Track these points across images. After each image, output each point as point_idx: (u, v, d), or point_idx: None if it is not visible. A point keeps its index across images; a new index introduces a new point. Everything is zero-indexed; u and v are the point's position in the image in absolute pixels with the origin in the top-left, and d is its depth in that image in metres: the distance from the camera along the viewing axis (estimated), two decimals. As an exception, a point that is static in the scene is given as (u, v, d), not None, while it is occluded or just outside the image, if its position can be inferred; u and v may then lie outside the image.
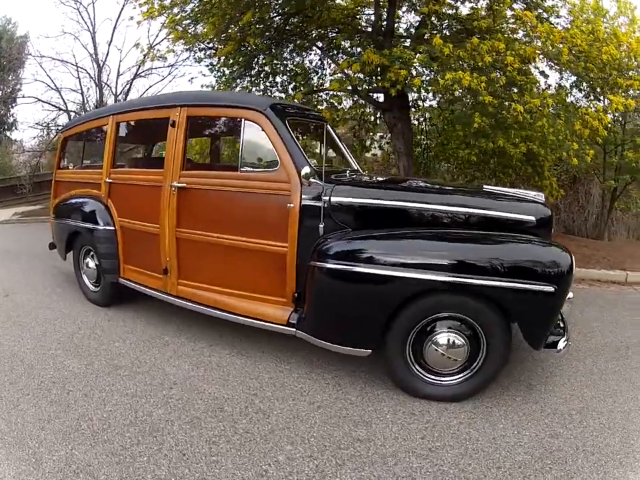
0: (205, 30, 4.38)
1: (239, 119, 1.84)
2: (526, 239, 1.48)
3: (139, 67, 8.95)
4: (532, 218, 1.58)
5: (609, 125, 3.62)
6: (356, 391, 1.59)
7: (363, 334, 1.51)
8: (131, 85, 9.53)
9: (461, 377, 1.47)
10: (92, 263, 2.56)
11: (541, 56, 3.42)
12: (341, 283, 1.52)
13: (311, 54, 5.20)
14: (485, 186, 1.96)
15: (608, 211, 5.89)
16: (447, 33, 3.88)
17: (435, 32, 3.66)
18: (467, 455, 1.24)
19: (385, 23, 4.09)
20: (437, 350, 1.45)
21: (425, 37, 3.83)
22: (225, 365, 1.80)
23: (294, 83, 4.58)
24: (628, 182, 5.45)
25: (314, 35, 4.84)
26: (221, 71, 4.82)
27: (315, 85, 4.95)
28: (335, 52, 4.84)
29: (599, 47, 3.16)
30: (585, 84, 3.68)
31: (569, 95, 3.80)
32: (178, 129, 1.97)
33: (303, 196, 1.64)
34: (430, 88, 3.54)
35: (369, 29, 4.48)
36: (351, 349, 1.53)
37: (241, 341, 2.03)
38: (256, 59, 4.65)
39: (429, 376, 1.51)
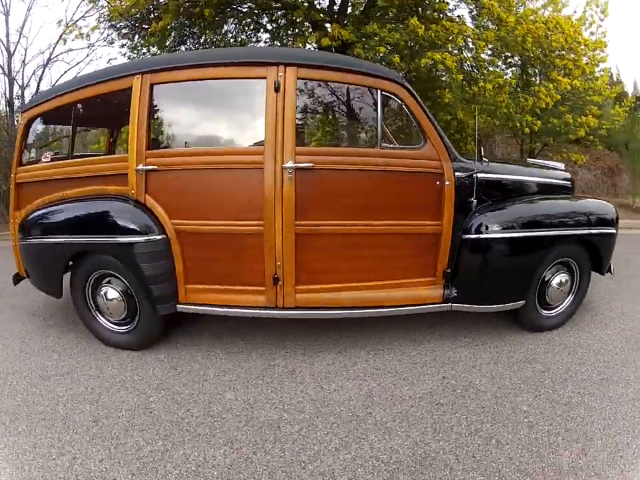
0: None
1: (371, 90, 1.60)
2: (587, 198, 2.10)
3: (53, 49, 6.70)
4: (569, 183, 2.17)
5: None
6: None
7: (518, 289, 1.74)
8: (43, 71, 6.96)
9: (567, 302, 1.93)
10: (113, 292, 1.75)
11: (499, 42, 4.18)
12: (501, 249, 1.68)
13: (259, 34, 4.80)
14: (528, 159, 2.50)
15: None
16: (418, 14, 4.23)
17: (405, 13, 4.01)
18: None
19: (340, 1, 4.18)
20: (558, 288, 1.87)
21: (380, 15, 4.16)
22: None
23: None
24: (545, 143, 6.39)
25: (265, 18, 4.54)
26: (146, 49, 3.86)
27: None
28: (285, 31, 4.58)
29: (549, 35, 4.20)
30: (537, 67, 4.63)
31: (523, 76, 4.75)
32: (285, 93, 1.51)
33: (457, 173, 1.66)
34: (411, 66, 3.89)
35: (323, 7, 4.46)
36: (511, 304, 1.73)
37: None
38: (190, 35, 4.00)
39: (546, 312, 1.89)
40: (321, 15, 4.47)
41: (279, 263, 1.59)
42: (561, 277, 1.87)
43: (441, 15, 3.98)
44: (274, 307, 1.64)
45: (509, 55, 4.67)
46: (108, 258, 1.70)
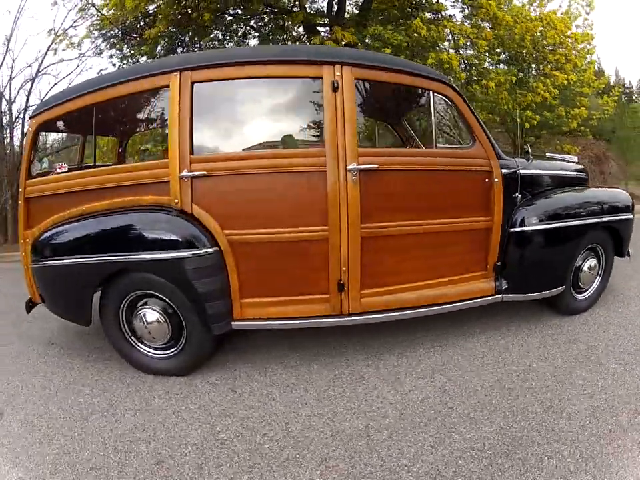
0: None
1: (424, 91, 1.61)
2: (604, 188, 2.29)
3: (42, 60, 6.15)
4: (584, 174, 2.35)
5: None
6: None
7: (560, 276, 1.86)
8: (32, 84, 6.35)
9: (595, 285, 2.10)
10: (153, 314, 1.59)
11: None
12: (545, 240, 1.79)
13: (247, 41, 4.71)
14: (547, 153, 2.64)
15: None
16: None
17: (411, 15, 4.09)
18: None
19: (337, 3, 4.20)
20: (589, 272, 2.02)
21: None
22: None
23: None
24: (538, 136, 6.56)
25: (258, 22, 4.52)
26: (135, 59, 3.73)
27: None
28: (275, 36, 4.51)
29: (544, 32, 4.44)
30: (531, 63, 4.71)
31: (518, 72, 4.80)
32: (343, 94, 1.46)
33: (503, 170, 1.73)
34: None
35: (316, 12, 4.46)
36: (555, 290, 1.85)
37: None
38: (180, 43, 3.98)
39: (579, 295, 2.04)
40: (320, 18, 4.47)
41: (344, 268, 1.54)
42: (590, 262, 2.03)
43: (438, 15, 4.14)
44: (338, 315, 1.59)
45: (499, 51, 4.89)
46: (148, 277, 1.52)
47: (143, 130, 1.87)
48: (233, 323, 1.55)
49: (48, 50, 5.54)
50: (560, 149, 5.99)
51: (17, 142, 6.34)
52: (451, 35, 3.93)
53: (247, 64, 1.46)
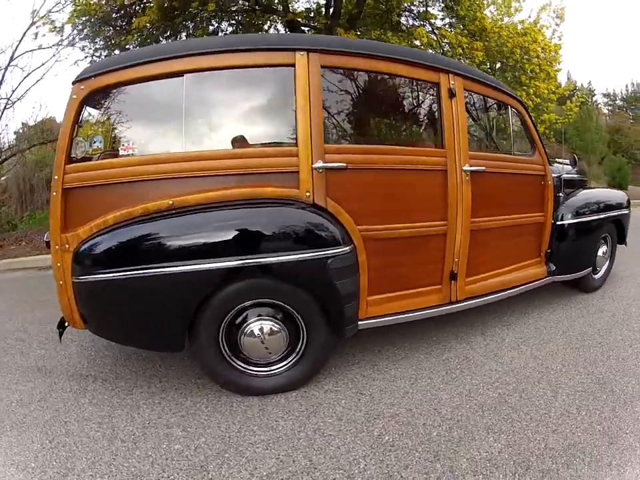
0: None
1: (505, 105, 1.87)
2: (606, 188, 2.89)
3: (17, 47, 5.05)
4: (585, 177, 2.90)
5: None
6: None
7: (589, 259, 2.33)
8: (4, 73, 5.23)
9: (605, 267, 2.60)
10: (264, 326, 1.42)
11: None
12: (580, 231, 2.21)
13: None
14: (557, 159, 3.09)
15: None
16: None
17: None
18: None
19: (333, 6, 4.36)
20: (602, 256, 2.51)
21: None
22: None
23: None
24: None
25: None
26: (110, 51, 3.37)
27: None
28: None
29: (527, 45, 4.85)
30: (516, 73, 5.03)
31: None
32: (457, 100, 1.62)
33: (552, 175, 2.11)
34: None
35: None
36: (586, 271, 2.30)
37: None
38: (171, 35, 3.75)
39: (595, 275, 2.52)
40: (308, 19, 4.57)
41: (456, 259, 1.69)
42: (603, 248, 2.56)
43: (424, 23, 4.57)
44: (448, 303, 1.73)
45: (482, 60, 5.45)
46: (267, 283, 1.36)
47: (244, 111, 1.53)
48: (360, 322, 1.52)
49: (27, 30, 4.55)
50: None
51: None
52: (448, 46, 4.37)
53: (380, 59, 1.48)
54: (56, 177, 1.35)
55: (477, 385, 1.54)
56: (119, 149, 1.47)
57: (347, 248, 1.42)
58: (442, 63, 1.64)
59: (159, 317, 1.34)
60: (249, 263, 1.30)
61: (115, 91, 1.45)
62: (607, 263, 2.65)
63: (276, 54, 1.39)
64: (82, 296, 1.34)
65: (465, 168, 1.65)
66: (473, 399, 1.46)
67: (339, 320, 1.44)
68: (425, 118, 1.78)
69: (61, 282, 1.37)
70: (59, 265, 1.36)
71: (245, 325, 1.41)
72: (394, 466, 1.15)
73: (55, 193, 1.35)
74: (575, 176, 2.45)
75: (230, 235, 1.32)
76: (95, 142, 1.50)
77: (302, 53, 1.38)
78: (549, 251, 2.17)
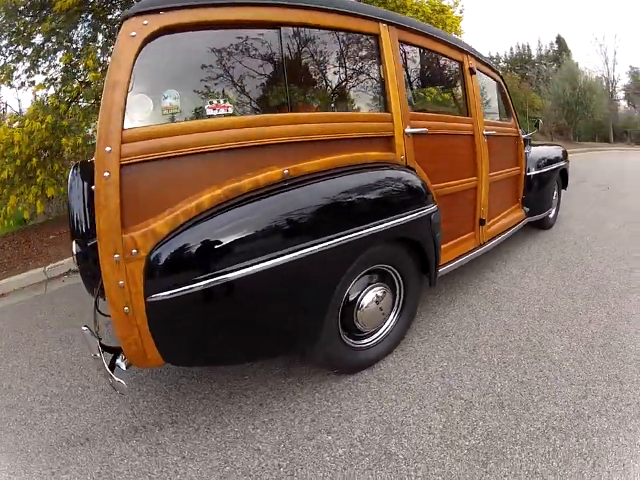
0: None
1: (495, 82, 2.28)
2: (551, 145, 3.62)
3: None
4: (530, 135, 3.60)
5: None
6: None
7: (550, 202, 2.99)
8: None
9: (555, 208, 3.33)
10: (378, 292, 1.41)
11: None
12: (541, 179, 2.82)
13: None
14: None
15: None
16: None
17: None
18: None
19: None
20: (555, 199, 3.27)
21: None
22: None
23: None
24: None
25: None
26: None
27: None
28: None
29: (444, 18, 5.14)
30: None
31: None
32: (475, 77, 1.94)
33: (523, 136, 2.64)
34: None
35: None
36: (549, 211, 2.97)
37: None
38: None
39: (551, 215, 3.27)
40: None
41: (483, 208, 2.06)
42: (555, 192, 3.27)
43: None
44: (479, 246, 2.09)
45: None
46: (387, 248, 1.35)
47: (336, 75, 1.43)
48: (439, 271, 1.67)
49: None
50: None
51: None
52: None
53: (440, 42, 1.72)
54: (108, 149, 0.96)
55: (520, 305, 1.96)
56: (205, 107, 1.13)
57: (436, 205, 1.56)
58: (462, 45, 1.95)
59: (299, 308, 1.15)
60: (386, 226, 1.28)
61: (190, 33, 1.08)
62: (557, 206, 3.45)
63: (364, 22, 1.39)
64: (170, 320, 1.00)
65: (484, 132, 1.99)
66: (525, 316, 1.85)
67: (434, 269, 1.60)
68: (456, 90, 2.10)
69: (125, 308, 0.99)
70: (121, 283, 0.97)
71: (359, 298, 1.36)
72: (514, 377, 1.41)
73: (107, 174, 0.95)
74: (528, 136, 3.09)
75: (365, 203, 1.26)
76: (166, 97, 1.07)
77: (384, 25, 1.44)
78: (523, 197, 2.75)
